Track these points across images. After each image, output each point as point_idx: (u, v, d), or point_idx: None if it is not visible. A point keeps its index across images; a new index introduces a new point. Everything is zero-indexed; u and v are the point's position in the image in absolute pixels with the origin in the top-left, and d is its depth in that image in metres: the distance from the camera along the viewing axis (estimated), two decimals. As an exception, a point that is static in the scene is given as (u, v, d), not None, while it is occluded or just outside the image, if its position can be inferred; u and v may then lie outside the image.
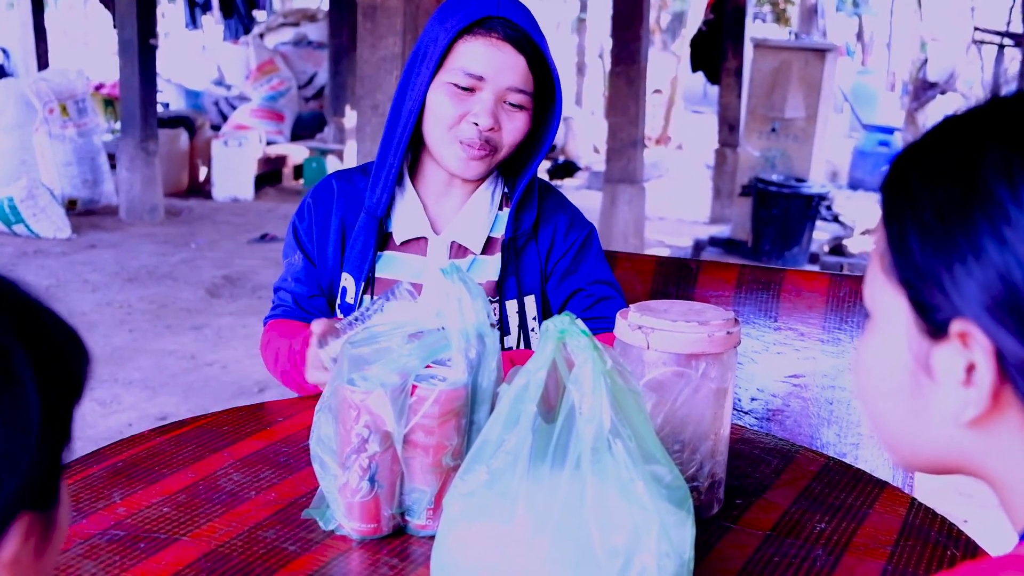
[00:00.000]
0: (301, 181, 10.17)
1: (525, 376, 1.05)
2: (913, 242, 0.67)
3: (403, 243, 1.73)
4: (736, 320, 1.32)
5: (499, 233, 1.75)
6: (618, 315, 1.34)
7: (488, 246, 1.74)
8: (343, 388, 1.19)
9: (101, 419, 4.15)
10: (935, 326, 0.67)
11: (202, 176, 9.70)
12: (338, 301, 1.76)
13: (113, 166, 8.31)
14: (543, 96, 1.69)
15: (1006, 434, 0.67)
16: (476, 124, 1.62)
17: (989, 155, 0.64)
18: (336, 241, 1.75)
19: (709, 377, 1.29)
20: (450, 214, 1.75)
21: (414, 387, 1.20)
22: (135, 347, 5.10)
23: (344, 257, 1.74)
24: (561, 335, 1.05)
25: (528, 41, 1.63)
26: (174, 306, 5.85)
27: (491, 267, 1.74)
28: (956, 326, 0.65)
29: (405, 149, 1.68)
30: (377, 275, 1.72)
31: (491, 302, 1.72)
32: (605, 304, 1.77)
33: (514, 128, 1.66)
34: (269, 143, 10.31)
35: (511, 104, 1.64)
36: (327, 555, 1.19)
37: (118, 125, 8.99)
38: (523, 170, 1.75)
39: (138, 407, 4.31)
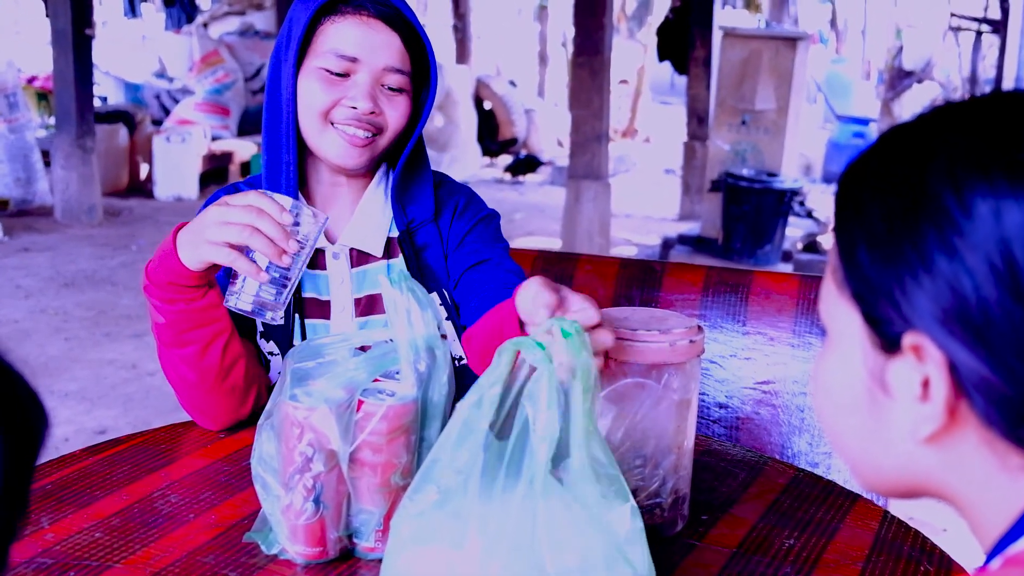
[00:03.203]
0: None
1: (477, 392, 1.05)
2: (862, 255, 0.68)
3: None
4: (700, 328, 1.32)
5: (392, 233, 1.69)
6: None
7: (391, 248, 1.68)
8: (285, 404, 1.18)
9: (35, 434, 4.11)
10: (888, 340, 0.68)
11: (143, 174, 9.62)
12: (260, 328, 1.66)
13: (47, 164, 8.23)
14: (418, 81, 1.63)
15: (966, 450, 0.68)
16: (354, 108, 1.56)
17: (935, 164, 0.65)
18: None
19: (671, 388, 1.29)
20: (342, 219, 1.67)
21: (360, 402, 1.19)
22: (71, 357, 5.05)
23: None
24: (516, 345, 1.05)
25: (401, 18, 1.58)
26: (113, 313, 5.80)
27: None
28: (908, 339, 0.66)
29: (296, 145, 1.60)
30: None
31: None
32: (516, 277, 1.66)
33: (396, 113, 1.59)
34: (214, 138, 10.23)
35: (390, 88, 1.58)
36: (270, 581, 1.18)
37: (52, 120, 8.89)
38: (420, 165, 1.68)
39: (75, 421, 4.27)
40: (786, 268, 7.11)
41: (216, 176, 9.98)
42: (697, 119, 9.27)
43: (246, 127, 11.17)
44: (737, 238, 7.09)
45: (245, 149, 10.30)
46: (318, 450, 1.17)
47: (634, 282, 2.12)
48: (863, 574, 1.26)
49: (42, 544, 1.24)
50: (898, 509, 1.53)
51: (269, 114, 1.62)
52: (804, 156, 11.28)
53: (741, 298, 2.03)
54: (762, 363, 1.98)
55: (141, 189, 9.45)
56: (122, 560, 1.21)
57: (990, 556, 0.68)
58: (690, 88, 9.43)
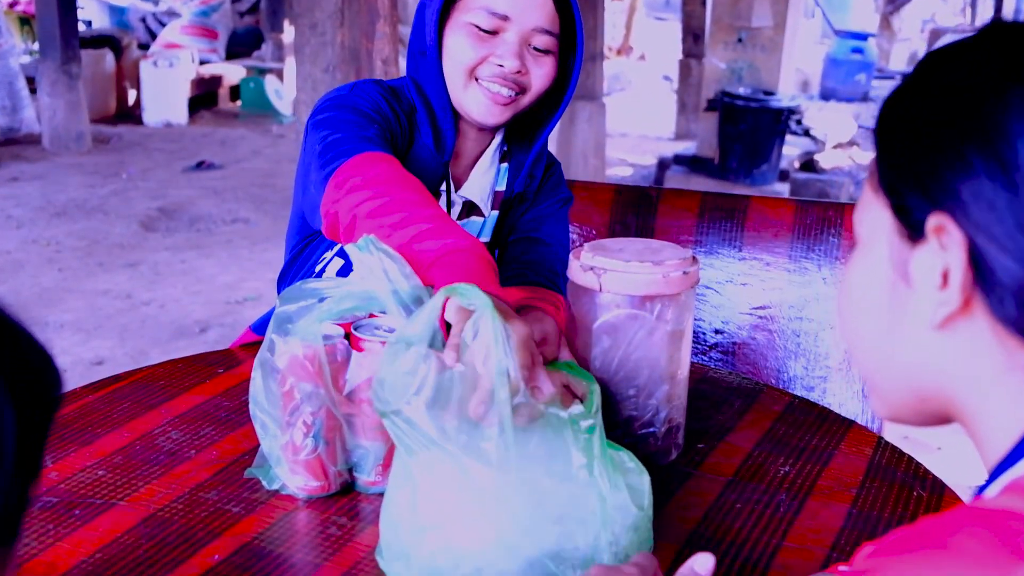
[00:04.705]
0: (239, 103, 10.04)
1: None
2: (899, 146, 0.73)
3: None
4: (694, 259, 1.33)
5: (500, 187, 1.71)
6: (571, 255, 1.35)
7: (493, 202, 1.70)
8: (276, 345, 1.20)
9: (32, 366, 4.13)
10: (913, 227, 0.72)
11: (131, 100, 9.55)
12: None
13: (33, 91, 8.16)
14: (564, 42, 1.61)
15: (976, 341, 0.71)
16: (501, 66, 1.54)
17: (980, 72, 0.69)
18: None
19: (664, 319, 1.30)
20: (462, 169, 1.68)
21: (360, 340, 1.21)
22: (65, 287, 5.06)
23: None
24: (448, 292, 1.07)
25: None
26: (106, 242, 5.80)
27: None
28: (933, 221, 0.70)
29: (446, 95, 1.59)
30: None
31: None
32: (561, 267, 1.70)
33: (542, 74, 1.57)
34: (202, 62, 10.15)
35: (536, 48, 1.56)
36: (273, 516, 1.21)
37: (36, 46, 8.80)
38: (537, 121, 1.68)
39: (71, 351, 4.29)
40: (783, 187, 7.10)
41: (205, 101, 9.90)
42: (693, 36, 9.18)
43: (234, 50, 11.06)
44: (734, 158, 7.07)
45: (234, 72, 10.21)
46: (313, 388, 1.19)
47: (629, 208, 2.13)
48: (857, 500, 1.28)
49: (46, 483, 1.26)
50: (893, 433, 1.56)
51: (414, 50, 1.61)
52: (801, 72, 11.19)
53: (737, 224, 2.04)
54: (758, 288, 2.00)
55: (130, 115, 9.38)
56: (126, 497, 1.23)
57: (992, 477, 0.70)
58: (685, 5, 9.33)
